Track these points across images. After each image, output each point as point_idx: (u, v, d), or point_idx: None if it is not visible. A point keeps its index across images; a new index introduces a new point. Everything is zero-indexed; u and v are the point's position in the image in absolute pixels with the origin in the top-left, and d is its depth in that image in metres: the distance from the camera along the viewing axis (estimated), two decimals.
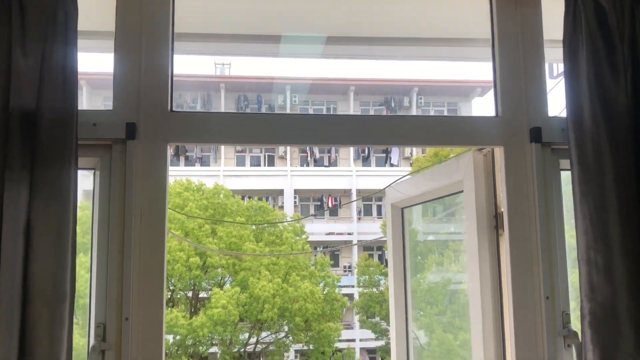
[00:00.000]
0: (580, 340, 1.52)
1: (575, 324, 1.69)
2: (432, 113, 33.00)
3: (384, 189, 2.85)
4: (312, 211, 35.66)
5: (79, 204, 1.88)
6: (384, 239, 25.05)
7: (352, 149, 34.96)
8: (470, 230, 1.80)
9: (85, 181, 1.80)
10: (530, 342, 1.65)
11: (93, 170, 1.75)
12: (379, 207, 36.28)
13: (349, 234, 34.75)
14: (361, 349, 32.73)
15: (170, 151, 1.72)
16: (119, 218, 1.67)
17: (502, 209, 1.78)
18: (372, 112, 34.06)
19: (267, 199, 28.63)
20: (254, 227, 22.71)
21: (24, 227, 1.46)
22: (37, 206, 1.48)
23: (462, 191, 1.89)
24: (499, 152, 1.79)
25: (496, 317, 1.76)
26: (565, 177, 1.80)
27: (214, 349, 22.52)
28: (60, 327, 1.47)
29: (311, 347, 21.67)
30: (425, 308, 2.87)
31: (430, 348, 2.86)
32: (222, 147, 30.97)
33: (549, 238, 1.71)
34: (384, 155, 35.25)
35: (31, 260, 1.44)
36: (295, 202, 34.68)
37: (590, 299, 1.48)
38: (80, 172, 1.62)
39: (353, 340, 32.02)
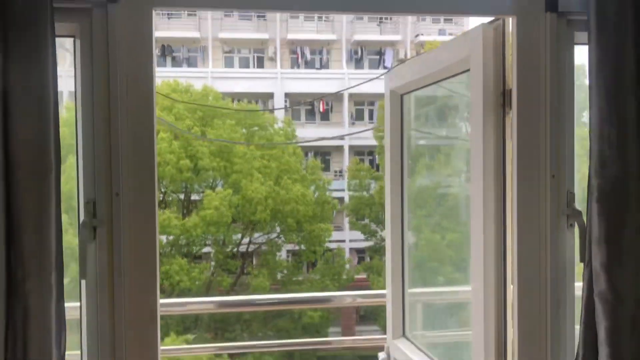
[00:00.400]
0: (586, 218, 1.49)
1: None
2: None
3: (381, 75, 2.71)
4: (303, 115, 35.39)
5: (64, 104, 1.77)
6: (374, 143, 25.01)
7: (344, 51, 34.11)
8: (476, 109, 1.71)
9: (70, 82, 1.66)
10: (533, 220, 1.62)
11: (73, 39, 1.61)
12: (371, 112, 36.05)
13: (340, 138, 34.74)
14: (350, 249, 33.86)
15: (154, 14, 1.57)
16: (103, 89, 1.55)
17: (511, 86, 1.69)
18: None
19: (257, 102, 28.26)
20: (244, 130, 22.57)
21: (1, 95, 1.35)
22: (14, 72, 1.36)
23: (468, 70, 1.78)
24: (510, 25, 1.67)
25: (497, 197, 1.72)
26: (578, 53, 1.69)
27: (207, 249, 23.16)
28: (47, 200, 1.40)
29: (302, 247, 22.33)
30: (415, 210, 2.87)
31: (418, 248, 2.90)
32: (210, 47, 30.02)
33: (558, 115, 1.63)
34: (378, 57, 34.46)
35: (11, 130, 1.34)
36: (285, 106, 34.32)
37: (600, 175, 1.43)
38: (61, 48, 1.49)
39: (343, 241, 33.00)
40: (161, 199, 21.67)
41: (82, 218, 1.53)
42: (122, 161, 1.49)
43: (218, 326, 22.25)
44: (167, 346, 16.77)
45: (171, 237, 19.54)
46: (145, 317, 1.45)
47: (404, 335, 2.51)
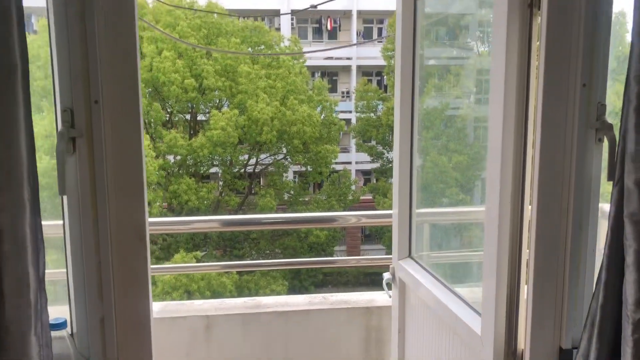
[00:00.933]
0: (621, 131, 1.33)
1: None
2: None
3: None
4: (310, 33, 34.38)
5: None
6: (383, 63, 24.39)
7: None
8: (499, 7, 1.52)
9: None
10: (558, 134, 1.46)
11: None
12: (380, 30, 34.96)
13: (348, 58, 33.94)
14: (357, 170, 33.97)
15: None
16: None
17: None
18: None
19: (263, 20, 27.33)
20: (250, 49, 21.98)
21: None
22: None
23: None
24: None
25: (520, 108, 1.55)
26: None
27: (214, 169, 23.23)
28: (14, 103, 1.25)
29: (309, 168, 22.34)
30: (422, 132, 2.75)
31: (425, 170, 2.80)
32: None
33: (594, 17, 1.44)
34: None
35: None
36: (292, 24, 33.30)
37: None
38: None
39: (349, 162, 33.06)
40: (167, 119, 21.48)
41: (59, 128, 1.38)
42: (100, 65, 1.33)
43: (227, 244, 22.73)
44: (176, 263, 17.17)
45: (178, 157, 19.54)
46: (132, 236, 1.34)
47: (409, 256, 2.44)
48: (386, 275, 2.49)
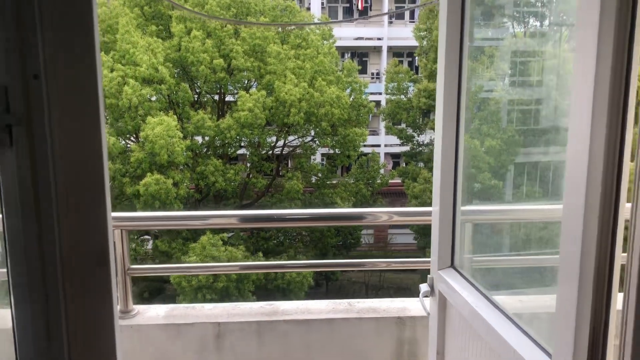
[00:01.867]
0: None
1: None
2: None
3: None
4: (340, 13, 33.71)
5: None
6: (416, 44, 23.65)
7: None
8: None
9: None
10: None
11: None
12: (412, 11, 34.08)
13: (379, 39, 33.23)
14: (385, 153, 33.43)
15: None
16: None
17: None
18: None
19: None
20: (280, 29, 21.55)
21: None
22: None
23: None
24: None
25: (616, 74, 1.15)
26: None
27: (242, 151, 23.02)
28: None
29: (337, 150, 21.92)
30: (473, 118, 2.49)
31: (475, 159, 2.50)
32: None
33: None
34: None
35: None
36: (322, 4, 32.70)
37: None
38: None
39: (378, 145, 32.55)
40: (195, 99, 21.29)
41: None
42: (41, 24, 0.95)
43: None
44: (203, 245, 17.02)
45: (206, 138, 19.36)
46: (89, 262, 0.99)
47: (452, 265, 2.06)
48: (423, 287, 2.13)
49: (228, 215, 3.44)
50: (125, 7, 19.36)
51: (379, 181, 23.57)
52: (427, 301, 2.11)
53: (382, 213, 3.06)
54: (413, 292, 28.18)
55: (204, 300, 17.41)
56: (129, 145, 18.33)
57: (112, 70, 17.67)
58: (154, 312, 2.71)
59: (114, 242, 2.80)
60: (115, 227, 2.70)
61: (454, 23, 2.03)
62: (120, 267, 2.76)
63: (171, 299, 20.24)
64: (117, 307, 1.05)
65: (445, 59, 2.06)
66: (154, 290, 26.89)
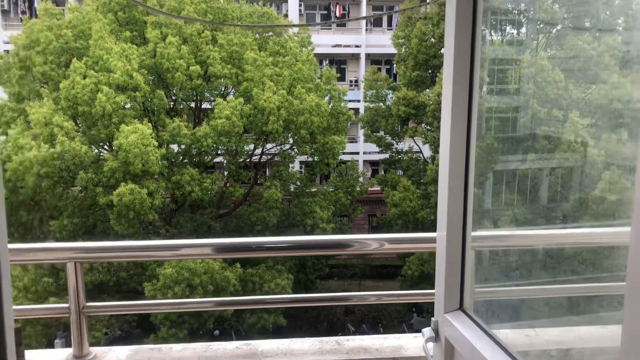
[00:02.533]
0: None
1: None
2: None
3: None
4: (318, 20, 33.55)
5: None
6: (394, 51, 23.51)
7: None
8: None
9: None
10: None
11: None
12: (390, 19, 34.10)
13: (357, 46, 33.17)
14: (364, 161, 33.29)
15: None
16: None
17: None
18: None
19: (271, 5, 26.50)
20: (257, 35, 21.26)
21: None
22: None
23: None
24: None
25: None
26: None
27: (219, 159, 22.59)
28: None
29: (316, 158, 21.66)
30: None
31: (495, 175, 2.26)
32: None
33: None
34: None
35: None
36: (300, 11, 32.52)
37: None
38: None
39: (357, 153, 32.39)
40: (171, 106, 20.84)
41: None
42: None
43: (231, 235, 22.18)
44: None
45: (182, 146, 18.91)
46: None
47: (461, 308, 1.78)
48: (427, 333, 1.85)
49: (202, 245, 3.10)
50: (98, 13, 18.88)
51: (358, 189, 23.37)
52: (431, 346, 1.84)
53: (371, 240, 2.77)
54: (390, 304, 27.96)
55: (179, 314, 16.92)
56: (102, 154, 17.80)
57: (84, 77, 17.16)
58: (114, 356, 2.39)
59: (67, 277, 2.47)
60: (67, 259, 2.38)
61: (463, 28, 1.77)
62: (74, 305, 2.44)
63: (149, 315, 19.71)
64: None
65: (454, 67, 1.79)
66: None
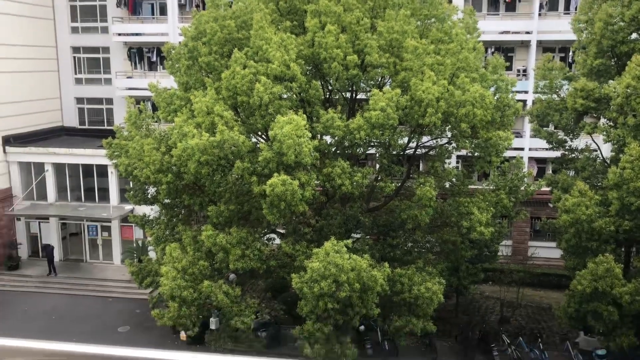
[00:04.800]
0: None
1: None
2: None
3: None
4: (485, 5, 31.23)
5: None
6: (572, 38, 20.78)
7: None
8: None
9: None
10: None
11: None
12: (568, 0, 30.63)
13: (527, 32, 30.31)
14: (529, 158, 30.45)
15: None
16: None
17: None
18: None
19: None
20: (419, 22, 20.06)
21: None
22: None
23: None
24: None
25: None
26: None
27: (371, 151, 21.88)
28: None
29: (476, 154, 19.99)
30: None
31: None
32: None
33: None
34: None
35: None
36: None
37: None
38: None
39: (521, 149, 29.72)
40: (327, 97, 20.52)
41: None
42: None
43: (380, 230, 21.41)
44: (327, 251, 16.03)
45: (335, 138, 18.46)
46: None
47: None
48: None
49: None
50: (260, 3, 19.05)
51: (523, 190, 21.20)
52: None
53: None
54: (552, 316, 25.11)
55: (325, 309, 16.58)
56: (258, 144, 17.99)
57: (244, 67, 17.38)
58: None
59: None
60: None
61: None
62: None
63: (296, 305, 19.70)
64: None
65: None
66: (277, 288, 26.72)
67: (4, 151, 31.16)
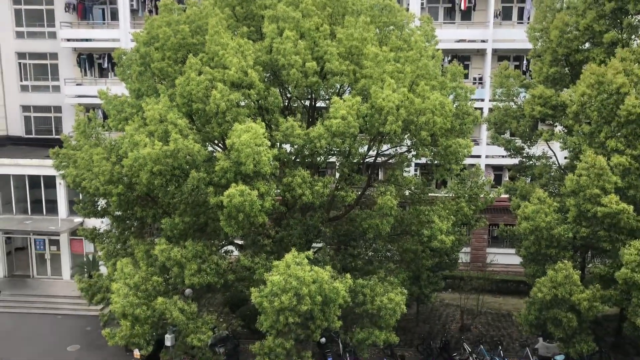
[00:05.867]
0: None
1: None
2: None
3: None
4: (441, 14, 31.48)
5: None
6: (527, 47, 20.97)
7: None
8: None
9: None
10: None
11: None
12: (521, 10, 31.19)
13: (483, 41, 30.68)
14: (486, 165, 30.75)
15: None
16: None
17: None
18: None
19: None
20: (378, 30, 19.86)
21: None
22: None
23: None
24: None
25: None
26: None
27: (331, 160, 21.50)
28: None
29: (435, 162, 19.88)
30: None
31: None
32: None
33: None
34: None
35: None
36: (422, 4, 30.67)
37: None
38: None
39: (478, 156, 29.96)
40: (285, 104, 20.06)
41: None
42: None
43: (341, 240, 21.03)
44: (287, 263, 15.55)
45: (295, 147, 17.99)
46: None
47: None
48: None
49: None
50: (216, 7, 18.47)
51: (482, 197, 21.21)
52: None
53: None
54: (511, 322, 25.23)
55: (286, 323, 16.03)
56: (214, 153, 17.34)
57: (200, 73, 16.75)
58: None
59: None
60: None
61: None
62: None
63: (255, 318, 19.11)
64: None
65: None
66: (235, 301, 25.91)
67: None
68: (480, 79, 31.48)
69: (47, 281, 30.55)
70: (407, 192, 21.56)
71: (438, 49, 20.26)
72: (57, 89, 33.49)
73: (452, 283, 28.40)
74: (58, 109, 33.76)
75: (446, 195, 21.49)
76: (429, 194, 21.58)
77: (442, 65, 22.54)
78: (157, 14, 24.74)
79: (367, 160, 20.52)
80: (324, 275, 16.03)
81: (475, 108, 21.82)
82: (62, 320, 27.10)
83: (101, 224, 24.62)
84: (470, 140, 19.25)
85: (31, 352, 24.22)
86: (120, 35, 31.22)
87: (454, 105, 19.26)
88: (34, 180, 30.31)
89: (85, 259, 29.74)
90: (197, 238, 18.19)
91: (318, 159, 19.17)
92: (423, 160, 21.23)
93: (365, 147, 19.36)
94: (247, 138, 15.46)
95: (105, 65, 32.54)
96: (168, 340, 20.10)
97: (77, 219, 29.08)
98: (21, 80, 33.99)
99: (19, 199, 30.84)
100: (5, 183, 30.44)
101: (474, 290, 26.54)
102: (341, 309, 16.87)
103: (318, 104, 20.74)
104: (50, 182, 29.66)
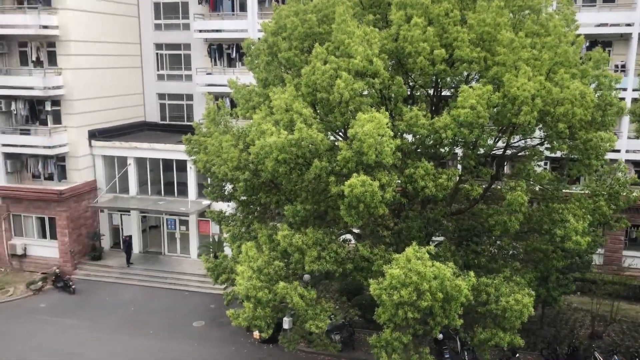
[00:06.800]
0: None
1: None
2: None
3: None
4: None
5: None
6: None
7: None
8: None
9: None
10: None
11: None
12: None
13: (628, 25, 27.88)
14: (626, 160, 28.06)
15: None
16: None
17: None
18: None
19: None
20: (512, 14, 18.64)
21: None
22: None
23: None
24: None
25: None
26: None
27: (457, 152, 20.64)
28: None
29: (573, 157, 18.37)
30: None
31: None
32: None
33: None
34: None
35: None
36: None
37: None
38: None
39: (618, 151, 27.40)
40: (408, 93, 19.52)
41: None
42: None
43: (463, 235, 20.19)
44: (408, 258, 15.16)
45: (418, 137, 17.45)
46: None
47: None
48: None
49: None
50: None
51: (624, 195, 19.28)
52: None
53: None
54: None
55: (405, 318, 15.67)
56: (336, 143, 17.31)
57: (325, 63, 16.74)
58: None
59: None
60: None
61: None
62: None
63: (371, 308, 18.97)
64: None
65: None
66: (351, 290, 25.92)
67: (90, 145, 32.28)
68: (623, 66, 28.71)
69: (176, 259, 32.67)
70: (537, 188, 20.21)
71: (579, 35, 18.63)
72: (189, 78, 35.47)
73: (582, 286, 26.38)
74: (190, 97, 35.78)
75: (581, 192, 19.84)
76: (563, 191, 20.07)
77: (581, 51, 20.76)
78: (283, 3, 25.17)
79: (494, 152, 19.47)
80: (446, 272, 15.42)
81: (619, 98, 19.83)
82: (188, 297, 28.85)
83: (227, 207, 25.71)
84: (613, 134, 17.56)
85: (161, 323, 26.02)
86: (248, 25, 32.27)
87: (596, 95, 17.63)
88: (168, 163, 32.45)
89: (211, 240, 31.31)
90: (317, 225, 18.33)
91: (442, 150, 18.48)
92: (556, 154, 19.74)
93: (494, 139, 18.34)
94: (370, 128, 15.21)
95: (234, 55, 33.84)
96: (286, 323, 20.61)
97: (205, 202, 30.69)
98: (158, 70, 36.43)
99: (153, 181, 33.20)
100: (142, 166, 32.87)
101: (607, 296, 24.45)
102: (463, 307, 16.18)
103: (443, 93, 19.97)
104: (182, 165, 31.57)
